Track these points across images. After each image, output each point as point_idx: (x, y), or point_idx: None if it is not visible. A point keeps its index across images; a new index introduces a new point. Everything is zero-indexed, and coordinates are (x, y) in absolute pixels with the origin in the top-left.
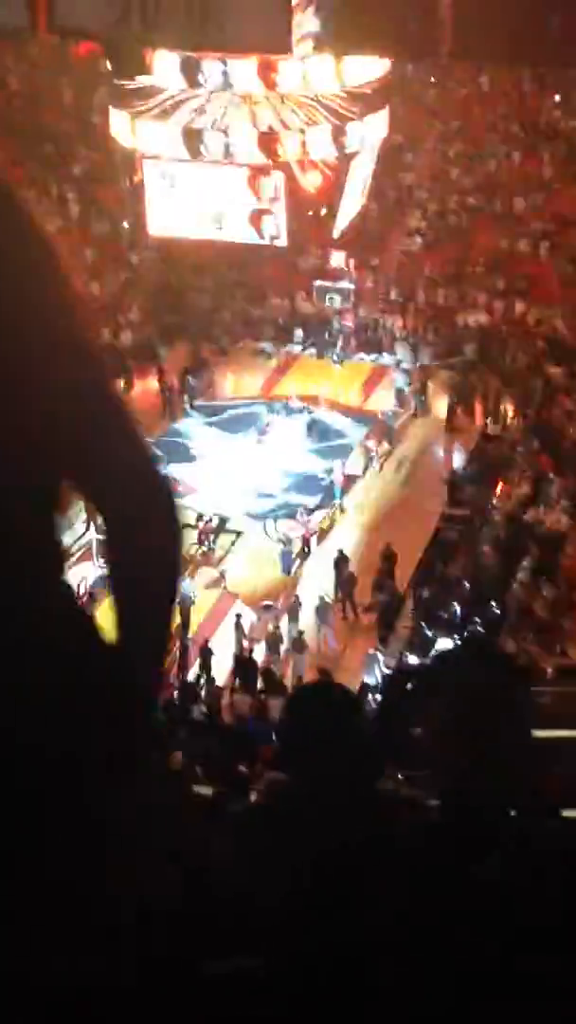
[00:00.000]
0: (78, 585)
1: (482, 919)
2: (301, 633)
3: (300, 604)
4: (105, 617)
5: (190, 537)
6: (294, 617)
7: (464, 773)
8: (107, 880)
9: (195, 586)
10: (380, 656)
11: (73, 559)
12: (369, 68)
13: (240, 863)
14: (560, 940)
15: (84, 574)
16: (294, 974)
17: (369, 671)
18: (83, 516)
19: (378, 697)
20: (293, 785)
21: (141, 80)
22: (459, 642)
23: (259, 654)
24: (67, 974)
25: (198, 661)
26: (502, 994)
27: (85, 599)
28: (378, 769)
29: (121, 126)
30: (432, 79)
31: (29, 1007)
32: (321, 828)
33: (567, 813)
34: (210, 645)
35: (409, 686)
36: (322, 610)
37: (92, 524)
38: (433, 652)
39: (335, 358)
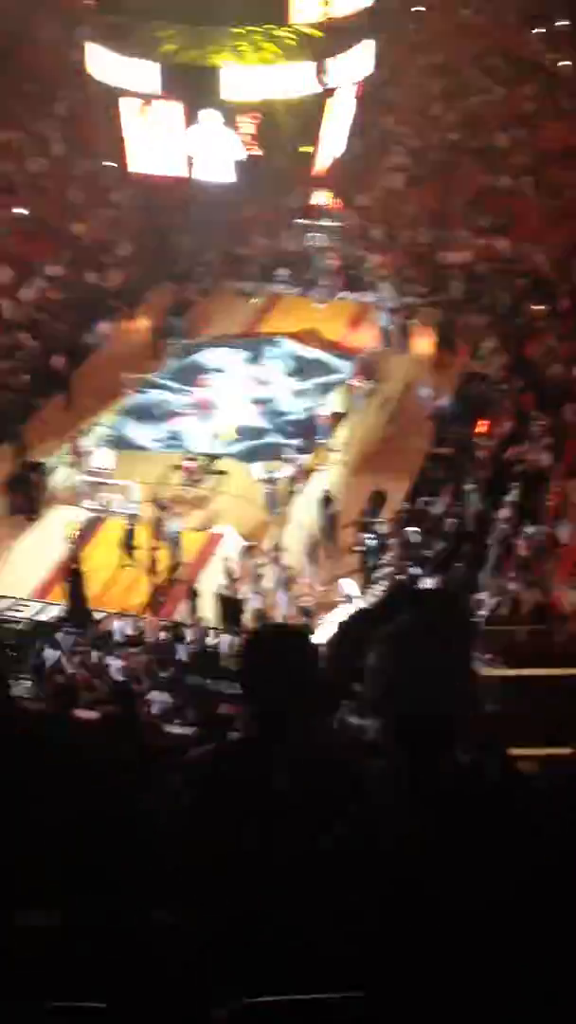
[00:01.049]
0: (66, 526)
1: (433, 854)
2: (286, 572)
3: (285, 544)
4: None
5: (177, 477)
6: (279, 557)
7: (407, 710)
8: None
9: (182, 526)
10: (348, 584)
11: (60, 502)
12: (350, 1)
13: (194, 805)
14: (507, 871)
15: (72, 515)
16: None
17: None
18: (70, 460)
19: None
20: (251, 724)
21: (121, 16)
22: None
23: (245, 594)
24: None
25: (184, 602)
26: (459, 931)
27: (75, 537)
28: (331, 708)
29: (100, 62)
30: (415, 9)
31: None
32: (276, 765)
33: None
34: (197, 586)
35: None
36: (308, 550)
37: (79, 468)
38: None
39: (318, 297)
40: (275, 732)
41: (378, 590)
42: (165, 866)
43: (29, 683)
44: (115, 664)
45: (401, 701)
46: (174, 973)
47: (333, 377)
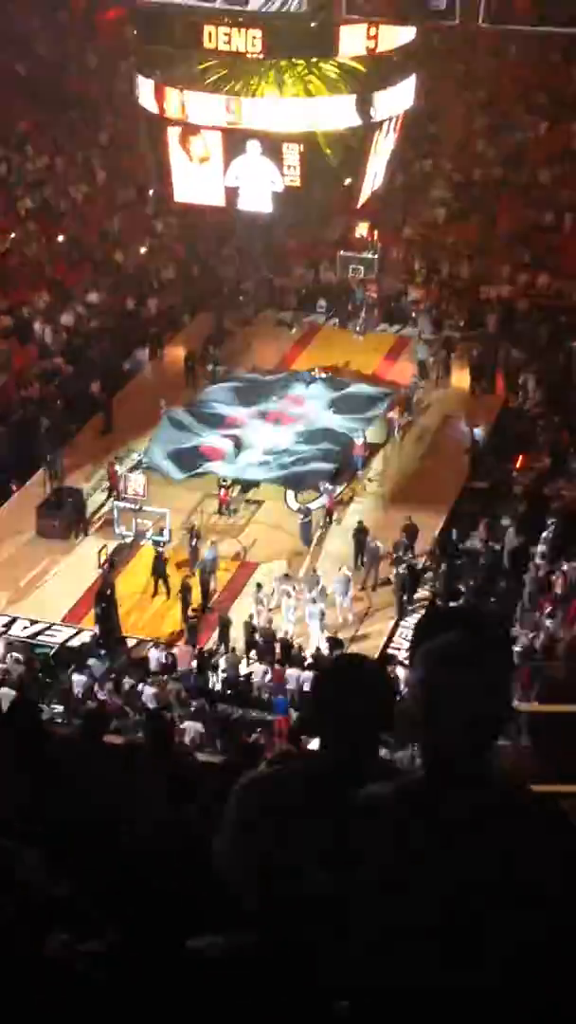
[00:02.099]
0: (99, 552)
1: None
2: (317, 603)
3: (319, 575)
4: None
5: (211, 506)
6: (312, 588)
7: (442, 741)
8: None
9: (215, 555)
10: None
11: (94, 528)
12: (395, 35)
13: (245, 833)
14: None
15: (104, 542)
16: (290, 950)
17: None
18: (104, 486)
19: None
20: (319, 754)
21: (166, 47)
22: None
23: (277, 624)
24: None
25: (216, 630)
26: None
27: (105, 566)
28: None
29: (147, 92)
30: (459, 48)
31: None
32: (342, 799)
33: None
34: (229, 615)
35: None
36: (341, 582)
37: (113, 494)
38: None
39: (357, 328)
40: (350, 763)
41: (411, 622)
42: (210, 893)
43: (60, 708)
44: (147, 691)
45: (441, 720)
46: None
47: (370, 409)
